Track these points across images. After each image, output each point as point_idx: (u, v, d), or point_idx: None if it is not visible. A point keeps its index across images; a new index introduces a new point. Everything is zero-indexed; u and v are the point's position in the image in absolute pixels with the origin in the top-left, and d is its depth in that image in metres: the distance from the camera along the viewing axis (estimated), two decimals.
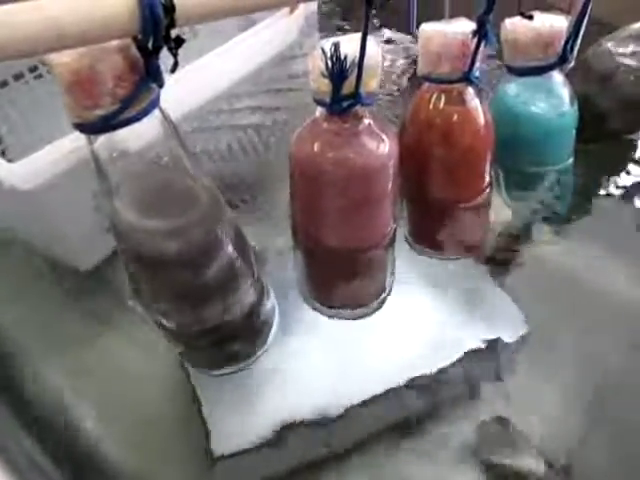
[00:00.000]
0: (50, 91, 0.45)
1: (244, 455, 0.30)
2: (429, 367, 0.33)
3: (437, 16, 0.31)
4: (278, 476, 0.30)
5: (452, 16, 0.30)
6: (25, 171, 0.30)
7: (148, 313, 0.26)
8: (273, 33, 0.42)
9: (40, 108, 0.45)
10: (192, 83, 0.37)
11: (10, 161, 0.31)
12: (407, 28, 0.61)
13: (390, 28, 0.64)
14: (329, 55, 0.23)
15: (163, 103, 0.21)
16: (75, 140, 0.31)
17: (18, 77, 0.44)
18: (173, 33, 0.17)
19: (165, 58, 0.19)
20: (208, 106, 0.40)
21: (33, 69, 0.44)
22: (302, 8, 0.44)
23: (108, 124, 0.19)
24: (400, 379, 0.33)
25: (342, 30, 0.65)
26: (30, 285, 0.40)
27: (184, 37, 0.18)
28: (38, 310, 0.38)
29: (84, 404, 0.33)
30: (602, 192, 0.44)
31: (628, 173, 0.45)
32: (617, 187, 0.44)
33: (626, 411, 0.32)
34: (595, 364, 0.34)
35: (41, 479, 0.30)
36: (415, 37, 0.60)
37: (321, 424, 0.31)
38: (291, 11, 0.43)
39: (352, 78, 0.24)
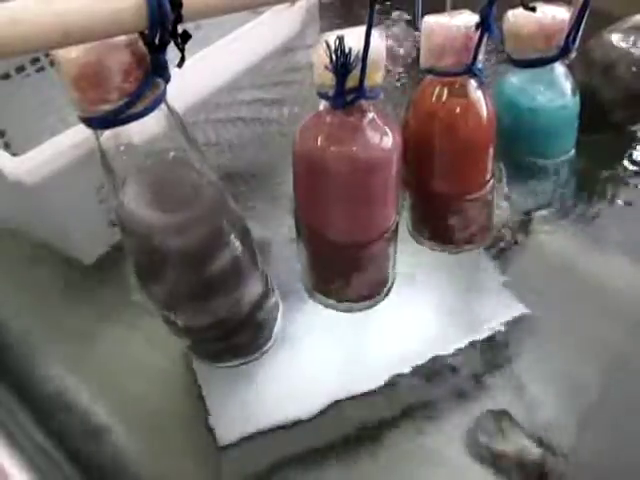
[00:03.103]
0: (52, 83, 0.45)
1: (248, 445, 0.31)
2: (430, 359, 0.34)
3: (440, 8, 0.31)
4: (280, 467, 0.31)
5: (454, 8, 0.30)
6: (29, 164, 0.30)
7: (154, 307, 0.27)
8: (275, 25, 0.42)
9: (43, 100, 0.45)
10: (194, 76, 0.37)
11: (14, 154, 0.31)
12: (413, 22, 0.60)
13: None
14: (333, 49, 0.23)
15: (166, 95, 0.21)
16: (79, 133, 0.31)
17: (20, 69, 0.44)
18: (180, 28, 0.17)
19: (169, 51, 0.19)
20: (210, 99, 0.40)
21: (34, 61, 0.44)
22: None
23: (115, 119, 0.19)
24: (402, 371, 0.33)
25: (343, 20, 0.64)
26: (34, 278, 0.40)
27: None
28: (42, 303, 0.39)
29: (88, 396, 0.34)
30: (604, 183, 0.44)
31: (631, 164, 0.45)
32: (620, 178, 0.44)
33: (628, 397, 0.33)
34: (596, 352, 0.34)
35: (48, 469, 0.30)
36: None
37: (324, 416, 0.32)
38: (293, 2, 0.43)
39: (356, 72, 0.24)
